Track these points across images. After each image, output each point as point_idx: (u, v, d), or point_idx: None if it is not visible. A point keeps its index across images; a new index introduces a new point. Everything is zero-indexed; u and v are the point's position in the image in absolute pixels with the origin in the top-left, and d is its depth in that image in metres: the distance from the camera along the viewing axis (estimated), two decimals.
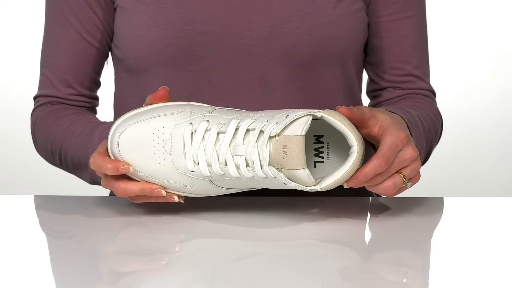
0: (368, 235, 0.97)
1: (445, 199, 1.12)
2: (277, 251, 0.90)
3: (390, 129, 0.96)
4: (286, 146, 0.90)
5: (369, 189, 0.96)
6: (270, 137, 0.91)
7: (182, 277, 0.81)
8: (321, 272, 0.83)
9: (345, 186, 0.93)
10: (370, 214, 1.03)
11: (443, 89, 1.31)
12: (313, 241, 0.94)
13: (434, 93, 1.26)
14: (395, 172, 0.95)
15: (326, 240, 0.94)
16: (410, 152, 0.95)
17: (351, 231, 0.96)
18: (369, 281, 0.81)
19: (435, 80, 1.29)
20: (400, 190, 0.98)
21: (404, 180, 0.96)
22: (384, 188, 0.95)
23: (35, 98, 1.25)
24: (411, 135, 1.03)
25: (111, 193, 1.27)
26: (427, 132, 1.12)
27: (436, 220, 1.04)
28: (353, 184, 0.93)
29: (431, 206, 1.08)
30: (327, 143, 1.00)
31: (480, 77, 3.02)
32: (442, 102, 1.28)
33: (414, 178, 0.98)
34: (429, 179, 1.08)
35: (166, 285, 0.80)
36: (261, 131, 0.91)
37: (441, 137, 1.23)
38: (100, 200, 1.09)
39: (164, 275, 0.83)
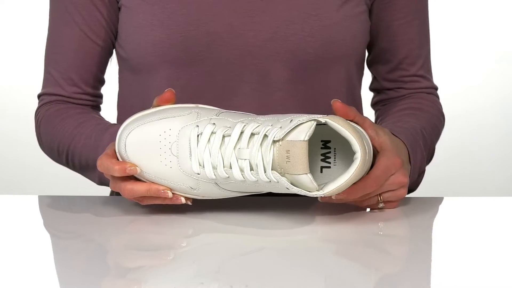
0: (368, 234, 0.97)
1: (445, 199, 1.12)
2: (281, 246, 0.91)
3: (387, 153, 0.99)
4: (289, 150, 0.90)
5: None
6: (274, 141, 0.91)
7: (188, 271, 0.82)
8: (325, 266, 0.84)
9: (334, 198, 0.95)
10: (370, 213, 1.04)
11: (442, 88, 1.31)
12: (316, 237, 0.94)
13: (436, 89, 1.29)
14: None
15: (328, 236, 0.95)
16: (400, 178, 0.99)
17: (352, 229, 0.97)
18: (370, 278, 0.81)
19: (434, 80, 1.30)
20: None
21: (379, 200, 1.00)
22: (359, 202, 1.00)
23: (39, 96, 1.25)
24: (410, 161, 1.06)
25: (112, 194, 1.28)
26: (428, 145, 1.15)
27: (436, 220, 1.05)
28: (344, 197, 0.95)
29: (431, 206, 1.09)
30: (335, 148, 0.99)
31: (480, 77, 3.01)
32: (441, 102, 1.29)
33: (390, 204, 1.02)
34: (429, 179, 1.09)
35: (172, 280, 0.80)
36: (265, 135, 0.91)
37: (441, 137, 1.24)
38: (105, 199, 1.10)
39: (171, 270, 0.83)
